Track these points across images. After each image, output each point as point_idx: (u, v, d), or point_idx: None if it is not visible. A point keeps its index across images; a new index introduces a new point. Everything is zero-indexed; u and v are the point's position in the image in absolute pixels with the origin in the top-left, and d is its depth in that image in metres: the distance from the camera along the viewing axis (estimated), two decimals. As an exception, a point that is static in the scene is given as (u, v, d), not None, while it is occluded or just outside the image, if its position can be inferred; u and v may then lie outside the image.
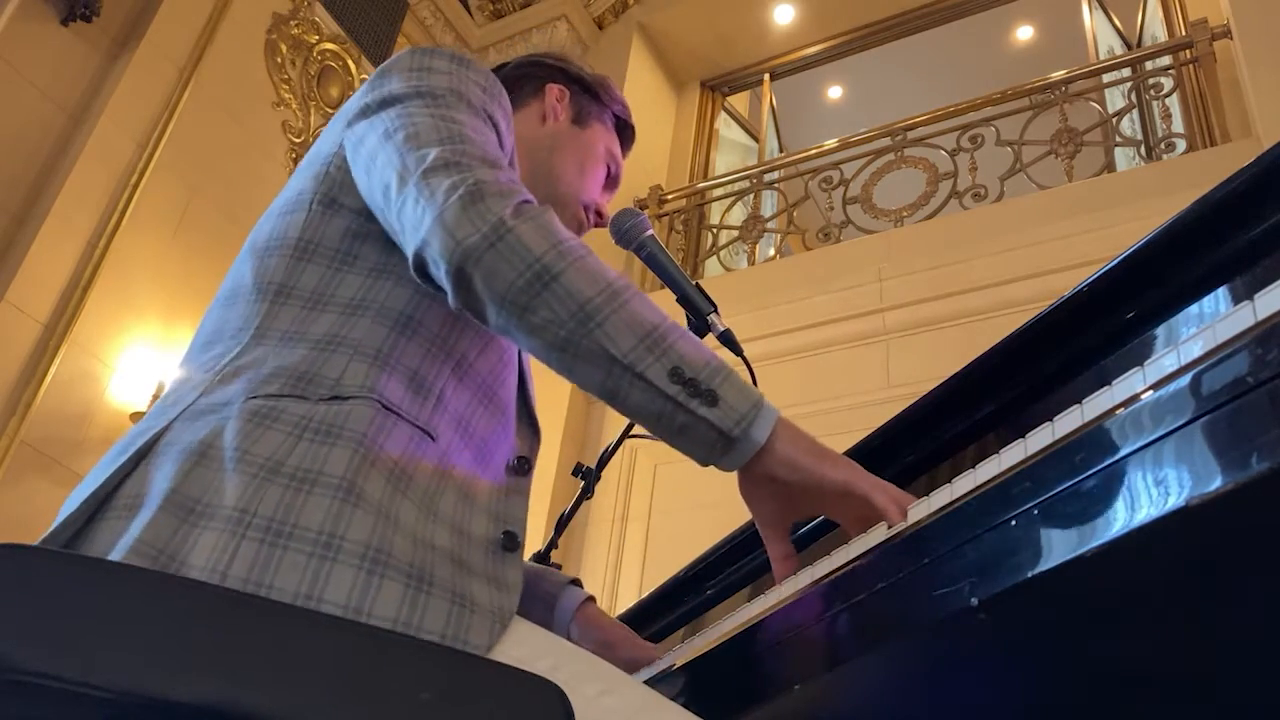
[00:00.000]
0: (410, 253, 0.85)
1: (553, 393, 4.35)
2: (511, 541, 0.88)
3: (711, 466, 0.84)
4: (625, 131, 1.29)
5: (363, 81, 4.80)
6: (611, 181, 1.26)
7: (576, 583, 1.24)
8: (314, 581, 0.73)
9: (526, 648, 0.80)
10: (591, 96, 1.25)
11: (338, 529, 0.76)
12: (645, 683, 0.91)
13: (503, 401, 0.97)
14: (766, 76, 5.84)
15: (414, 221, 0.84)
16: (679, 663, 1.01)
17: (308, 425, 0.80)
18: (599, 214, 1.23)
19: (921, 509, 0.77)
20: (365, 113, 0.95)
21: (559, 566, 1.55)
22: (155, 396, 3.57)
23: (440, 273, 0.82)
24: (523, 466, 0.97)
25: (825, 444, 0.85)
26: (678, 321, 0.86)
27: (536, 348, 0.82)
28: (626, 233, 1.29)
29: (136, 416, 3.54)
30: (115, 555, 0.74)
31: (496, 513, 0.89)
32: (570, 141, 1.21)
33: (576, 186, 1.20)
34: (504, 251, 0.79)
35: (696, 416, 0.78)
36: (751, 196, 5.18)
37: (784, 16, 5.68)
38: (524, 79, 1.24)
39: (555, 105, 1.21)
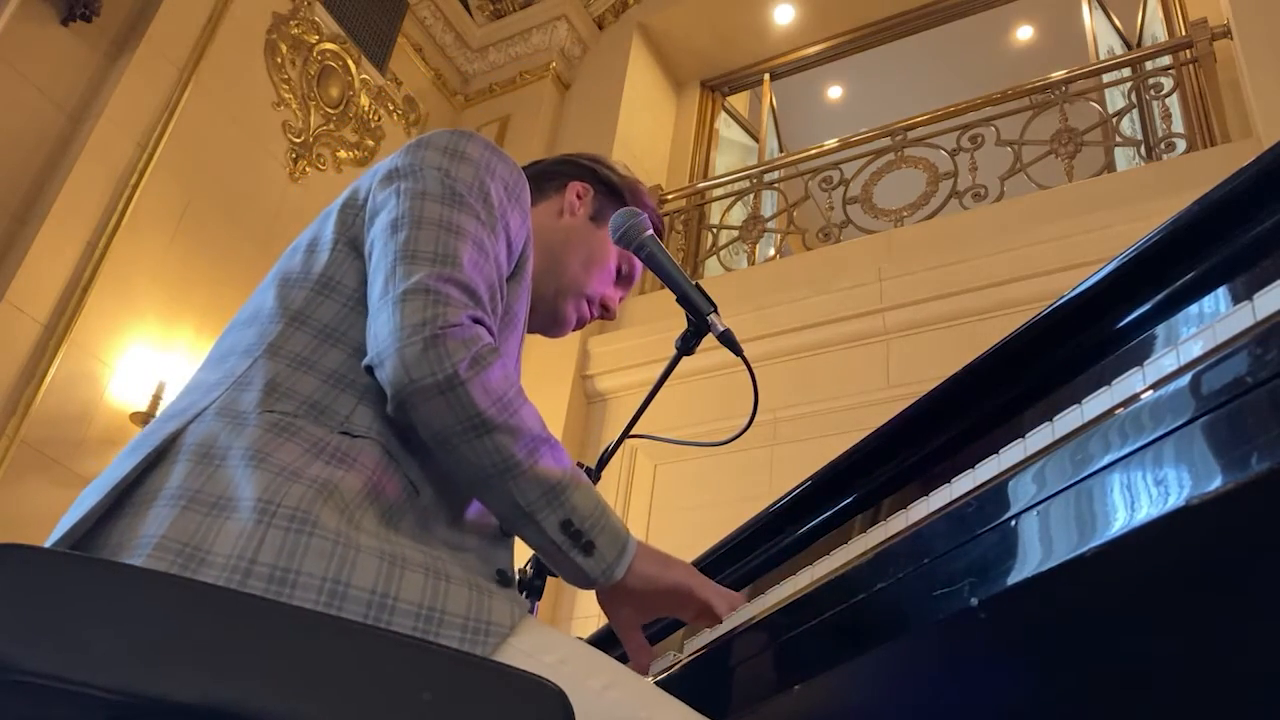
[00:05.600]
0: (366, 359, 0.90)
1: (553, 393, 4.35)
2: (505, 579, 0.93)
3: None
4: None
5: (363, 82, 4.83)
6: (624, 280, 1.32)
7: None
8: (341, 566, 0.76)
9: (533, 640, 0.82)
10: (616, 198, 1.30)
11: (351, 535, 0.79)
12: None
13: None
14: (766, 76, 5.83)
15: (378, 335, 0.89)
16: (681, 661, 1.01)
17: (324, 448, 0.86)
18: (605, 308, 1.29)
19: (921, 509, 0.77)
20: (391, 178, 1.01)
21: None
22: (155, 396, 3.57)
23: (388, 393, 0.88)
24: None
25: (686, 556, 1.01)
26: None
27: (453, 470, 0.91)
28: (626, 233, 1.28)
29: (136, 416, 3.54)
30: (140, 550, 0.75)
31: (486, 556, 0.94)
32: (582, 238, 1.26)
33: (580, 281, 1.25)
34: (451, 402, 0.86)
35: (573, 563, 0.91)
36: (751, 196, 5.17)
37: (784, 16, 5.68)
38: (554, 175, 1.30)
39: (574, 202, 1.27)
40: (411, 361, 0.86)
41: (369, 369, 0.90)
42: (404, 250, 0.93)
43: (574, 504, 0.90)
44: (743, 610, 0.95)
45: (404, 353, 0.86)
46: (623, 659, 1.18)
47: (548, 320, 1.27)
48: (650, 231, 1.30)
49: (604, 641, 1.46)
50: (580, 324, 1.29)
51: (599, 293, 1.28)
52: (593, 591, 0.95)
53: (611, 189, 1.31)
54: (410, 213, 0.96)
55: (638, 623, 1.02)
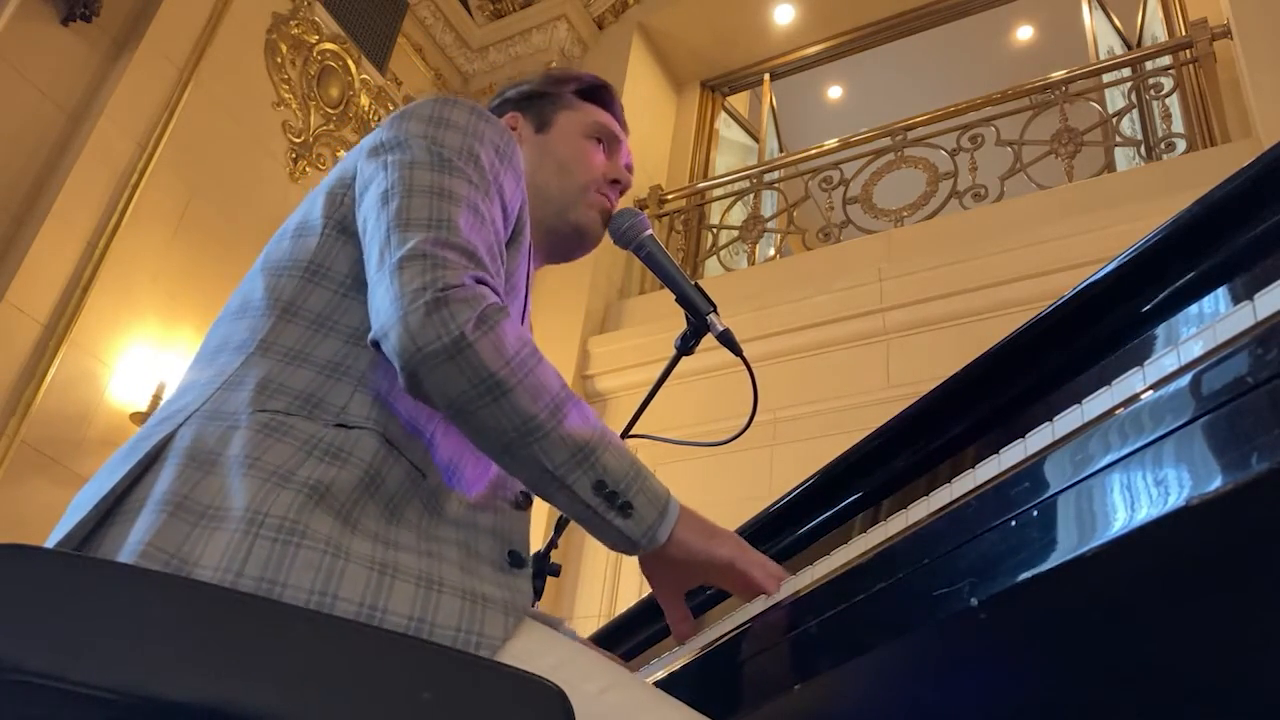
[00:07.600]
0: (371, 334, 0.87)
1: (553, 393, 4.34)
2: (517, 559, 0.90)
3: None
4: (599, 95, 1.27)
5: (363, 82, 4.83)
6: (610, 147, 1.24)
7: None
8: (328, 579, 0.75)
9: (530, 644, 0.81)
10: (540, 98, 1.25)
11: (343, 541, 0.78)
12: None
13: None
14: (766, 76, 5.84)
15: (379, 308, 0.86)
16: (681, 662, 1.01)
17: (316, 444, 0.83)
18: (615, 183, 1.22)
19: (921, 509, 0.78)
20: (378, 151, 0.98)
21: (559, 566, 1.55)
22: (155, 396, 3.57)
23: (395, 365, 0.85)
24: (524, 501, 0.99)
25: (718, 524, 0.97)
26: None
27: (476, 441, 0.87)
28: (626, 233, 1.28)
29: (136, 416, 3.54)
30: (125, 558, 0.74)
31: (500, 534, 0.91)
32: (540, 152, 1.20)
33: (567, 186, 1.19)
34: (461, 365, 0.83)
35: (612, 526, 0.88)
36: (751, 196, 5.17)
37: (784, 16, 5.68)
38: None
39: (513, 133, 1.21)
40: (416, 328, 0.82)
41: (375, 344, 0.87)
42: (397, 219, 0.89)
43: (606, 464, 0.87)
44: (742, 610, 0.95)
45: (407, 320, 0.82)
46: (623, 658, 1.17)
47: (573, 241, 1.21)
48: (649, 231, 1.29)
49: (602, 642, 1.46)
50: (606, 218, 1.22)
51: (595, 178, 1.21)
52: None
53: (531, 96, 1.25)
54: (400, 182, 0.93)
55: (680, 591, 0.99)
